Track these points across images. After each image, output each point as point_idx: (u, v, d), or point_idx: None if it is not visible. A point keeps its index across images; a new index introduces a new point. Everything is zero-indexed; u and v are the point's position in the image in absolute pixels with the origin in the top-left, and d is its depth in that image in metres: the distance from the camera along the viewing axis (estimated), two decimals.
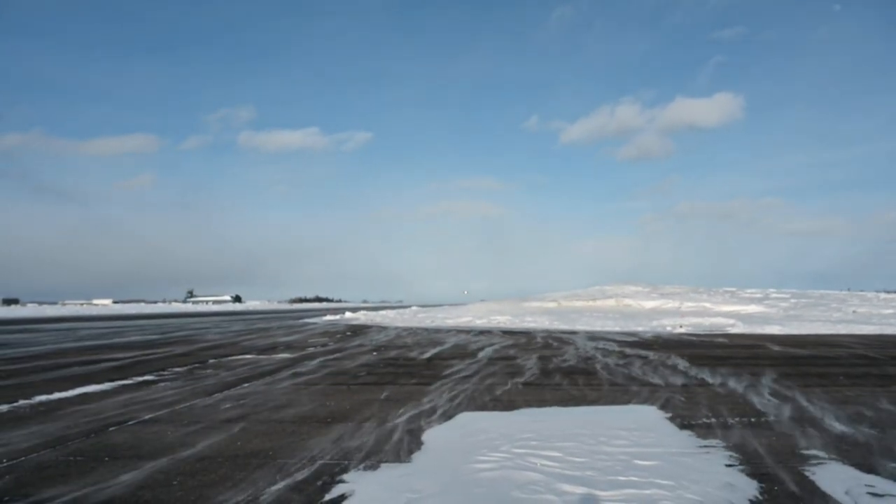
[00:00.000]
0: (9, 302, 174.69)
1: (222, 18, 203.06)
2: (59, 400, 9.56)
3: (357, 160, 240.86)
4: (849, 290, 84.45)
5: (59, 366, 14.43)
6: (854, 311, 41.91)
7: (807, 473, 5.46)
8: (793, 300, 54.70)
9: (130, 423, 7.82)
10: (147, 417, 8.15)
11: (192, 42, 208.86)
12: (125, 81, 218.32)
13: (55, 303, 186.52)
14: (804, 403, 8.88)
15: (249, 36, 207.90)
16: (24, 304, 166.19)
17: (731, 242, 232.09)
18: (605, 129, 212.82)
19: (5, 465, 5.94)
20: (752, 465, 5.71)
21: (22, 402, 9.42)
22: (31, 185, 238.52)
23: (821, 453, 6.12)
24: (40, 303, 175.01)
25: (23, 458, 6.14)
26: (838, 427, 7.31)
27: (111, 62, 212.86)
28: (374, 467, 5.74)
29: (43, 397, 9.78)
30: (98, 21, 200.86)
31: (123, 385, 11.16)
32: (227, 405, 9.02)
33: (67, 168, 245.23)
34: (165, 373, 12.96)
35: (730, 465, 5.68)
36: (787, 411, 8.30)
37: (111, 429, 7.46)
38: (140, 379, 11.99)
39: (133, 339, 24.75)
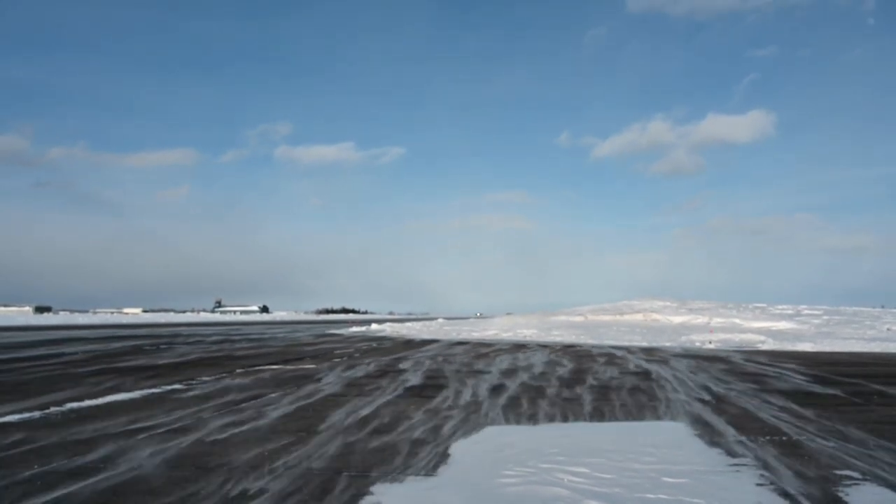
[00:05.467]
0: (41, 310, 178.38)
1: (263, 36, 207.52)
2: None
3: (390, 174, 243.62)
4: (883, 306, 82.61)
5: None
6: (888, 329, 40.93)
7: (840, 494, 5.35)
8: (825, 317, 53.60)
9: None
10: None
11: (233, 59, 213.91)
12: (168, 98, 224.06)
13: (86, 311, 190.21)
14: (838, 427, 8.71)
15: (290, 53, 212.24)
16: (55, 312, 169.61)
17: (762, 258, 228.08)
18: (636, 145, 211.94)
19: None
20: (783, 484, 5.61)
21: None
22: (70, 196, 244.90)
23: (855, 474, 5.99)
24: (72, 311, 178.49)
25: None
26: (873, 446, 7.15)
27: (154, 79, 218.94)
28: (400, 480, 5.75)
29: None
30: (142, 39, 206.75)
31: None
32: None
33: (106, 180, 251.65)
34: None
35: (760, 485, 5.59)
36: (821, 430, 8.15)
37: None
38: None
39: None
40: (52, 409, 9.50)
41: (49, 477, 5.74)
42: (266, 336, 37.45)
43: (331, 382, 13.09)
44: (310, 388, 12.18)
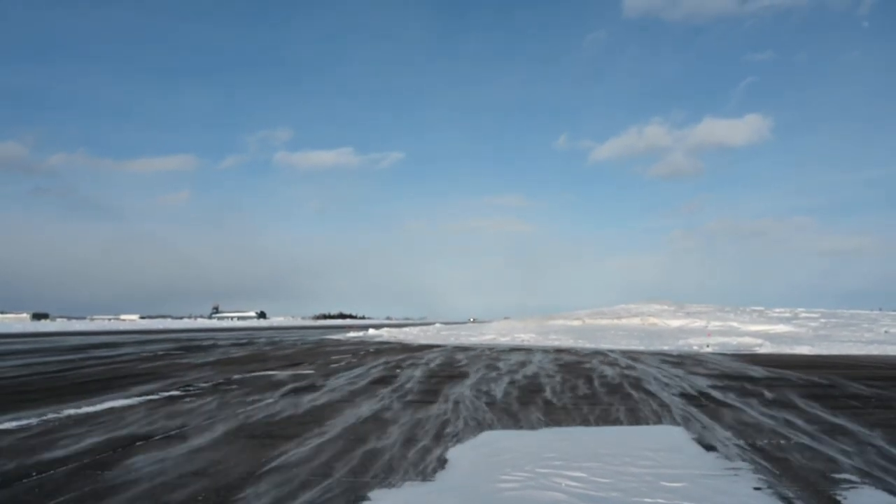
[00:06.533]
0: (38, 316, 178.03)
1: (262, 43, 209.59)
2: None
3: (389, 179, 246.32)
4: (880, 309, 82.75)
5: None
6: (886, 332, 41.01)
7: (839, 498, 5.35)
8: (822, 320, 53.71)
9: None
10: None
11: (233, 65, 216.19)
12: (168, 104, 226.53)
13: (84, 318, 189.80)
14: (837, 430, 8.72)
15: (289, 59, 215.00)
16: (53, 319, 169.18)
17: (760, 261, 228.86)
18: (634, 149, 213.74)
19: None
20: (781, 488, 5.60)
21: None
22: (70, 202, 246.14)
23: (853, 477, 5.98)
24: (69, 318, 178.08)
25: None
26: (872, 451, 7.15)
27: (154, 85, 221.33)
28: (397, 485, 5.73)
29: None
30: (141, 45, 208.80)
31: None
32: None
33: (105, 186, 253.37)
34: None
35: (758, 489, 5.58)
36: (818, 434, 8.15)
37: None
38: None
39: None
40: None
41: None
42: (277, 339, 41.11)
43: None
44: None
